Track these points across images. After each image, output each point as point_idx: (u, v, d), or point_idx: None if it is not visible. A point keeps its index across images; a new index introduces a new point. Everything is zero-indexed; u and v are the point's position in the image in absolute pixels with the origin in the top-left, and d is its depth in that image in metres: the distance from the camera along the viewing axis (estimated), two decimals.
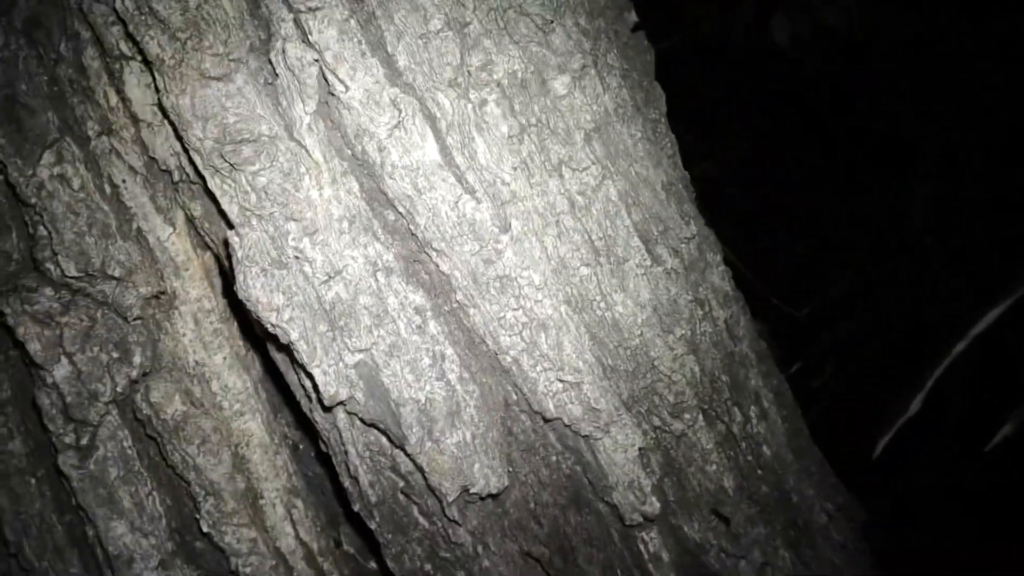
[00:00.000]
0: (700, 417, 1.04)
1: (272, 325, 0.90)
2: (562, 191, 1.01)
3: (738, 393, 1.10)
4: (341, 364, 0.90)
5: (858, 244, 2.04)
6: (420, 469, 0.91)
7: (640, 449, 0.96)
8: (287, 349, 0.92)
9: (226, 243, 0.91)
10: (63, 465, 0.92)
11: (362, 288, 0.91)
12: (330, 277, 0.90)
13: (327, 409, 0.91)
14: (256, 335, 1.01)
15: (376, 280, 0.91)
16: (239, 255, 0.90)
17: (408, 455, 0.90)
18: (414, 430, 0.90)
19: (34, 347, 0.91)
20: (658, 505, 0.96)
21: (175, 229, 0.96)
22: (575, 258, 0.99)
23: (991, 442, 1.48)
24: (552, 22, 1.07)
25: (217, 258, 0.99)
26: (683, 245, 1.10)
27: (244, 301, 0.90)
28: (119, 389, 0.92)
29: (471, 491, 0.90)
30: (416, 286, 0.92)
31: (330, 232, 0.90)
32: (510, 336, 0.92)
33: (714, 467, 1.04)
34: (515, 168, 0.96)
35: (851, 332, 1.89)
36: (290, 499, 0.99)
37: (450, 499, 0.90)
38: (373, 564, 1.05)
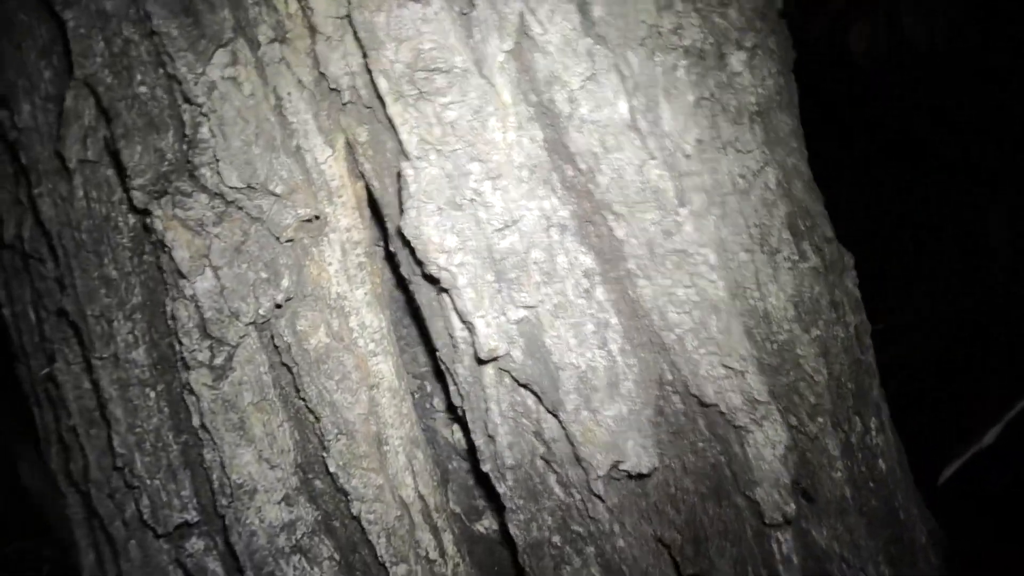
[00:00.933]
0: (828, 422, 1.01)
1: (439, 267, 0.85)
2: (728, 171, 0.97)
3: (860, 402, 1.07)
4: (504, 318, 0.86)
5: (932, 261, 2.01)
6: (570, 438, 0.87)
7: (786, 447, 0.93)
8: (445, 294, 0.88)
9: (398, 175, 0.87)
10: (195, 383, 0.87)
11: (536, 242, 0.86)
12: (506, 226, 0.85)
13: (482, 362, 0.87)
14: (397, 274, 0.96)
15: (549, 235, 0.87)
16: (412, 189, 0.85)
17: (560, 422, 0.87)
18: (571, 397, 0.86)
19: (181, 255, 0.86)
20: (794, 507, 0.93)
21: (334, 152, 0.91)
22: (735, 242, 0.96)
23: None
24: None
25: (369, 190, 0.94)
26: (826, 245, 1.07)
27: (411, 238, 0.86)
28: (262, 311, 0.88)
29: (621, 467, 0.87)
30: (588, 248, 0.88)
31: (511, 178, 0.85)
32: (679, 314, 0.88)
33: (839, 475, 1.01)
34: (698, 141, 0.92)
35: (917, 349, 1.86)
36: (411, 449, 0.95)
37: (600, 473, 0.86)
38: (479, 528, 1.01)
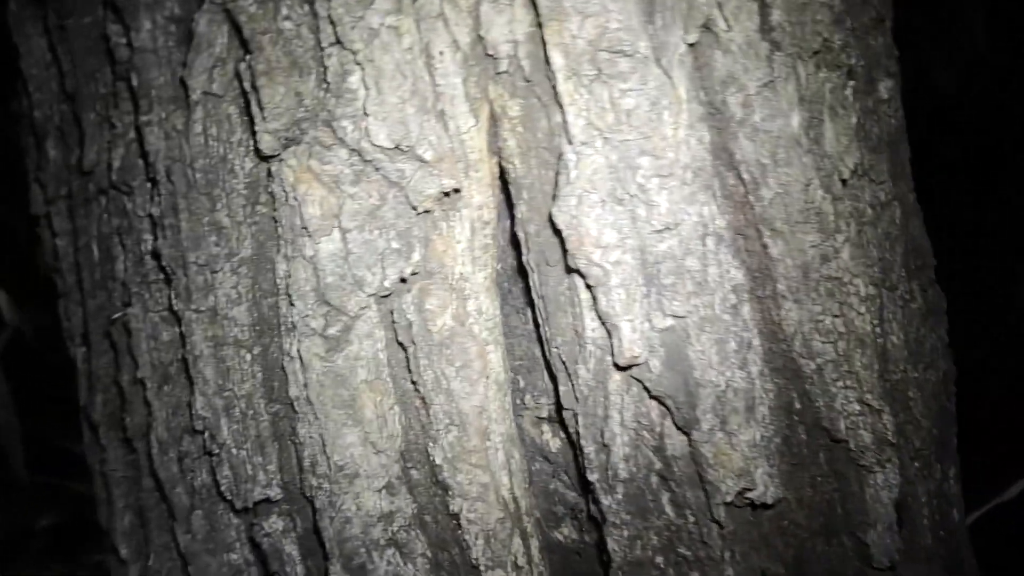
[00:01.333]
0: (923, 468, 0.99)
1: (590, 262, 0.80)
2: (866, 201, 0.93)
3: (943, 450, 1.06)
4: (648, 325, 0.81)
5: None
6: (697, 458, 0.82)
7: (898, 491, 0.90)
8: (586, 291, 0.82)
9: (559, 157, 0.81)
10: (305, 352, 0.80)
11: (692, 249, 0.81)
12: (667, 228, 0.80)
13: (619, 368, 0.82)
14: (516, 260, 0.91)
15: (704, 244, 0.82)
16: (572, 175, 0.80)
17: (692, 440, 0.82)
18: (708, 416, 0.82)
19: (311, 211, 0.79)
20: (900, 552, 0.90)
21: (477, 123, 0.84)
22: (865, 275, 0.92)
23: None
24: (884, 20, 0.99)
25: (502, 169, 0.88)
26: (930, 287, 1.05)
27: (563, 226, 0.80)
28: (387, 283, 0.81)
29: (747, 494, 0.83)
30: (740, 263, 0.84)
31: (677, 179, 0.80)
32: (823, 343, 0.85)
33: (926, 521, 0.99)
34: (856, 166, 0.88)
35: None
36: (510, 448, 0.89)
37: (727, 499, 0.82)
38: (557, 535, 0.96)
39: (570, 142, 0.80)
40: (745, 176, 0.83)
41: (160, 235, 0.84)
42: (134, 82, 0.84)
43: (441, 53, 0.83)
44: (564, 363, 0.87)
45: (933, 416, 1.00)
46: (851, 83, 0.90)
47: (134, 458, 0.94)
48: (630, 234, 0.80)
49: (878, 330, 0.93)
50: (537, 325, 0.90)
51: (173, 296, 0.85)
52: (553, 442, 0.96)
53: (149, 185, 0.86)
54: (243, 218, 0.83)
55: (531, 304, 0.90)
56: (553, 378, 0.90)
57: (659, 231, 0.80)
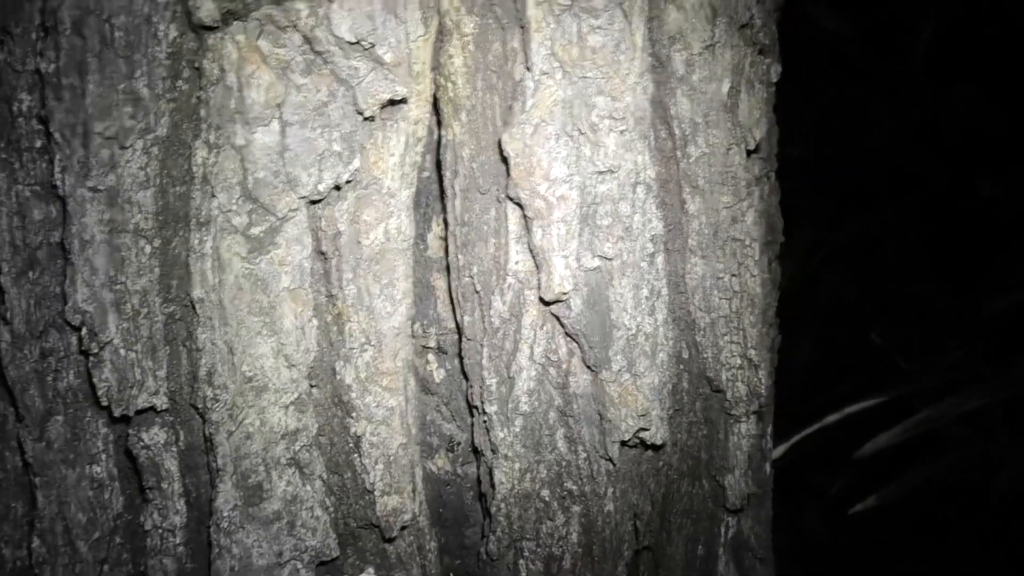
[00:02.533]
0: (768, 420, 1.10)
1: (535, 193, 0.79)
2: (759, 172, 1.01)
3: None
4: (578, 264, 0.82)
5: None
6: (602, 398, 0.85)
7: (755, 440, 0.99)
8: (522, 221, 0.82)
9: (518, 83, 0.79)
10: (225, 250, 0.72)
11: (625, 195, 0.83)
12: (609, 171, 0.81)
13: (545, 303, 0.82)
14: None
15: (635, 192, 0.84)
16: (528, 103, 0.79)
17: (599, 380, 0.85)
18: (618, 358, 0.84)
19: (252, 95, 0.71)
20: (751, 497, 0.99)
21: (426, 32, 0.80)
22: (761, 240, 1.00)
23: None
24: (782, 7, 1.07)
25: (440, 87, 0.84)
26: (774, 262, 1.15)
27: (513, 154, 0.79)
28: (320, 188, 0.75)
29: (641, 434, 0.87)
30: (661, 214, 0.87)
31: (622, 124, 0.82)
32: (720, 299, 0.90)
33: (761, 470, 1.10)
34: (761, 138, 0.95)
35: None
36: (407, 374, 0.87)
37: (624, 437, 0.86)
38: (430, 466, 0.95)
39: (529, 69, 0.79)
40: (676, 132, 0.86)
41: (52, 96, 0.72)
42: None
43: None
44: (478, 293, 0.86)
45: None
46: (765, 60, 0.96)
47: None
48: (576, 172, 0.80)
49: (771, 292, 1.01)
50: (446, 252, 0.88)
51: (58, 170, 0.73)
52: (438, 373, 0.95)
53: (42, 34, 0.73)
54: (162, 92, 0.73)
55: (430, 230, 0.88)
56: (456, 308, 0.89)
57: (601, 172, 0.81)
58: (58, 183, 0.73)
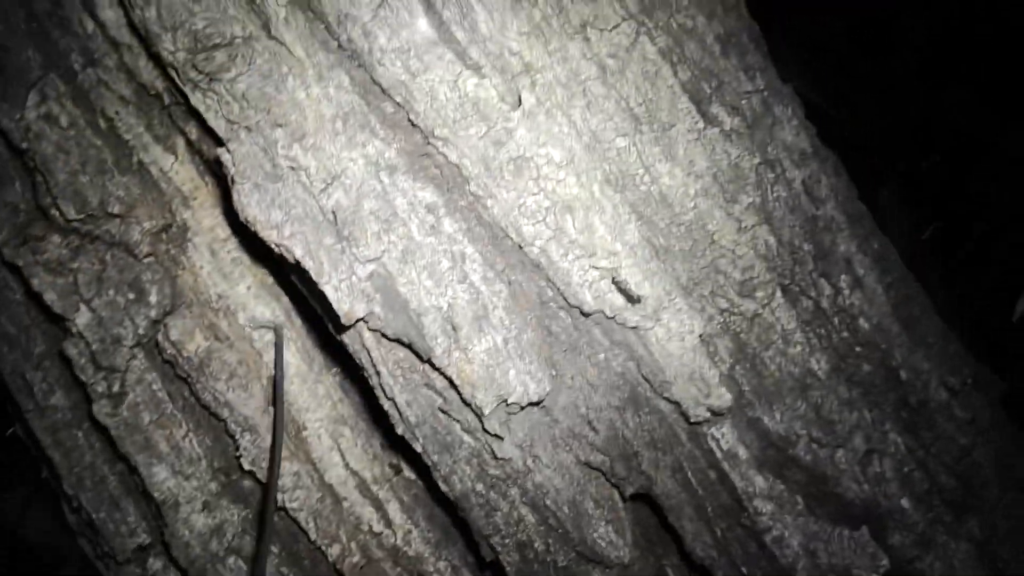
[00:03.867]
0: (778, 293, 0.91)
1: (275, 244, 0.83)
2: (588, 55, 0.88)
3: (824, 262, 0.96)
4: (354, 278, 0.82)
5: None
6: (451, 382, 0.82)
7: (701, 336, 0.84)
8: (298, 268, 0.85)
9: (218, 162, 0.85)
10: (98, 414, 0.89)
11: (365, 191, 0.82)
12: (328, 184, 0.81)
13: (346, 328, 0.84)
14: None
15: (380, 181, 0.82)
16: (231, 172, 0.83)
17: (437, 368, 0.82)
18: (439, 340, 0.81)
19: (51, 297, 0.88)
20: (728, 397, 0.84)
21: (177, 157, 0.90)
22: (608, 129, 0.87)
23: None
24: None
25: (219, 181, 0.93)
26: (743, 101, 0.95)
27: (244, 222, 0.83)
28: (140, 331, 0.88)
29: (509, 401, 0.82)
30: (425, 182, 0.83)
31: (323, 134, 0.82)
32: (533, 224, 0.81)
33: (798, 348, 0.90)
34: (525, 34, 0.84)
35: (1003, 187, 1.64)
36: (336, 428, 0.93)
37: (487, 411, 0.81)
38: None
39: (221, 143, 0.84)
40: (397, 99, 0.82)
41: None
42: None
43: (117, 113, 0.90)
44: (333, 335, 0.90)
45: (799, 232, 0.92)
46: None
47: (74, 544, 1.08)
48: (298, 203, 0.82)
49: (646, 178, 0.87)
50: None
51: (18, 407, 0.97)
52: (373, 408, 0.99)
53: None
54: (29, 321, 0.94)
55: None
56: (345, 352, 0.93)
57: (323, 189, 0.82)
58: (20, 414, 0.97)
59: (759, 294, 0.89)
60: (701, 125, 0.91)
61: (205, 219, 0.91)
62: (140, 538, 0.93)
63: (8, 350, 0.94)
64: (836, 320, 0.95)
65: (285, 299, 0.96)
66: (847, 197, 1.03)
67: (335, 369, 0.99)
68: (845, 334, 0.95)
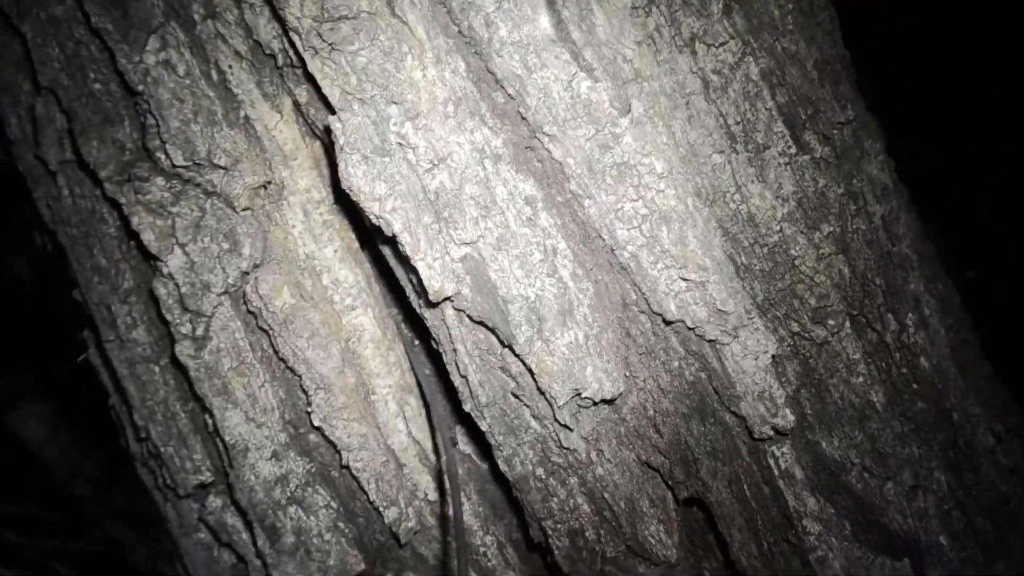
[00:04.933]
0: (847, 323, 0.93)
1: (375, 216, 0.85)
2: (694, 69, 0.90)
3: (894, 298, 0.98)
4: (447, 258, 0.85)
5: None
6: (529, 370, 0.85)
7: (774, 357, 0.87)
8: (392, 242, 0.88)
9: (328, 130, 0.87)
10: (180, 355, 0.92)
11: (468, 176, 0.84)
12: (434, 165, 0.84)
13: (433, 305, 0.87)
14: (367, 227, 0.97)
15: (484, 168, 0.84)
16: (340, 141, 0.85)
17: (517, 355, 0.85)
18: (523, 328, 0.84)
19: (148, 237, 0.91)
20: (792, 418, 0.87)
21: (282, 116, 0.93)
22: (706, 144, 0.89)
23: None
24: None
25: (325, 147, 0.95)
26: (835, 131, 0.97)
27: (347, 191, 0.86)
28: (230, 280, 0.91)
29: (583, 395, 0.84)
30: (527, 174, 0.85)
31: (434, 116, 0.84)
32: (628, 230, 0.84)
33: (861, 379, 0.93)
34: (639, 43, 0.86)
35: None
36: (403, 396, 0.96)
37: (560, 403, 0.84)
38: (487, 465, 1.02)
39: (333, 112, 0.86)
40: (510, 91, 0.84)
41: (76, 289, 1.01)
42: (20, 168, 1.01)
43: (230, 67, 0.92)
44: (415, 309, 0.93)
45: (873, 266, 0.94)
46: None
47: (134, 471, 1.12)
48: (403, 180, 0.84)
49: (736, 197, 0.89)
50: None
51: (97, 335, 1.01)
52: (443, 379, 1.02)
53: (54, 247, 1.02)
54: (120, 256, 0.97)
55: None
56: (424, 326, 0.96)
57: (429, 169, 0.84)
58: (99, 340, 1.01)
59: (831, 322, 0.91)
60: (793, 151, 0.92)
61: (302, 180, 0.94)
62: (203, 476, 0.97)
63: (98, 280, 0.97)
64: (898, 355, 0.97)
65: (367, 266, 0.99)
66: (919, 236, 1.05)
67: (408, 338, 1.02)
68: (904, 370, 0.97)
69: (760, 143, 0.92)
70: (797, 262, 0.90)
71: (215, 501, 0.98)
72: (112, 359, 0.98)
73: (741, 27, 0.92)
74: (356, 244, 0.98)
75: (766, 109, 0.92)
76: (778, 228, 0.90)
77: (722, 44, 0.91)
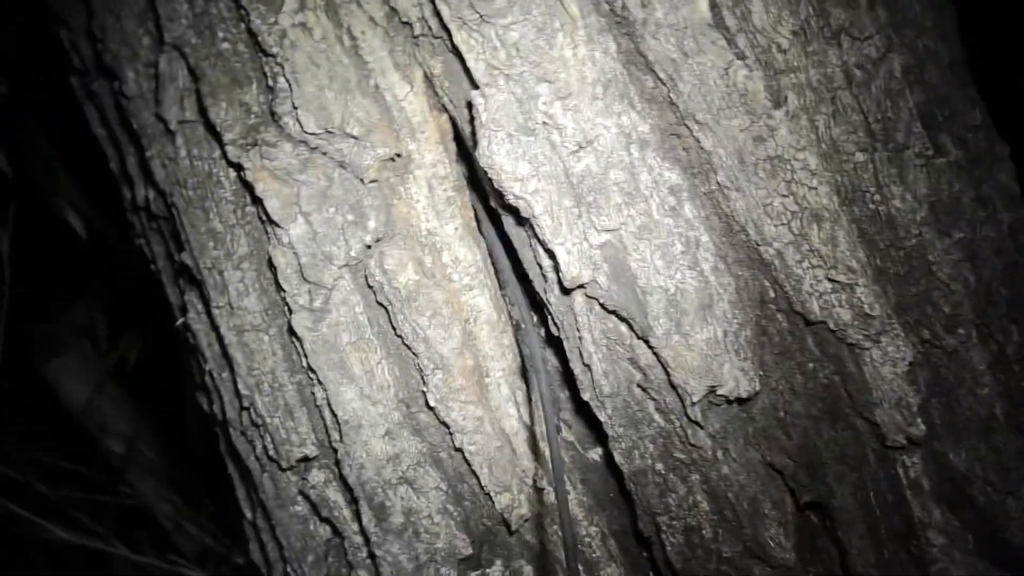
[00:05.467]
0: (974, 333, 0.91)
1: (515, 196, 0.83)
2: (840, 63, 0.87)
3: (1017, 310, 0.96)
4: (586, 244, 0.83)
5: None
6: (663, 364, 0.83)
7: (910, 364, 0.85)
8: (526, 223, 0.86)
9: (469, 105, 0.85)
10: (297, 326, 0.90)
11: (614, 161, 0.82)
12: (580, 147, 0.82)
13: (566, 291, 0.85)
14: (487, 206, 0.95)
15: (629, 153, 0.82)
16: (483, 118, 0.83)
17: (651, 348, 0.83)
18: (661, 321, 0.82)
19: (272, 204, 0.89)
20: (924, 428, 0.85)
21: (413, 88, 0.90)
22: (850, 141, 0.87)
23: None
24: None
25: (453, 122, 0.93)
26: (969, 135, 0.95)
27: (486, 168, 0.84)
28: (353, 253, 0.89)
29: (718, 392, 0.83)
30: (673, 163, 0.83)
31: (583, 97, 0.81)
32: (776, 226, 0.82)
33: (986, 391, 0.91)
34: (794, 33, 0.83)
35: None
36: (515, 380, 0.95)
37: (695, 399, 0.83)
38: (593, 455, 1.00)
39: (476, 86, 0.84)
40: (661, 75, 0.82)
41: (183, 250, 0.99)
42: (134, 125, 0.99)
43: (363, 32, 0.89)
44: (538, 294, 0.91)
45: (999, 275, 0.91)
46: None
47: (228, 438, 1.10)
48: (547, 161, 0.82)
49: (876, 197, 0.87)
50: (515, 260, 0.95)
51: (203, 299, 0.99)
52: (559, 365, 1.00)
53: (165, 208, 1.00)
54: (235, 221, 0.95)
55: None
56: (539, 310, 0.94)
57: (574, 151, 0.82)
58: (208, 306, 0.99)
59: (961, 331, 0.89)
60: (931, 152, 0.90)
61: (428, 154, 0.91)
62: (308, 450, 0.96)
63: (212, 245, 0.95)
64: (1017, 368, 0.95)
65: (484, 245, 0.97)
66: None
67: (513, 321, 1.00)
68: (1023, 383, 0.95)
69: (900, 143, 0.89)
70: (934, 268, 0.88)
71: (318, 475, 0.97)
72: (220, 325, 0.96)
73: (885, 20, 0.89)
74: (474, 223, 0.96)
75: (907, 108, 0.90)
76: (916, 232, 0.88)
77: (867, 38, 0.88)
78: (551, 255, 0.84)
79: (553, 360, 1.03)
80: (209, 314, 0.98)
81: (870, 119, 0.88)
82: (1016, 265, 0.97)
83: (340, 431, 0.91)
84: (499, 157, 0.82)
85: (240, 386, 0.97)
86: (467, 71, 0.84)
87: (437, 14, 0.84)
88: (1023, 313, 0.97)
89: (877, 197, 0.87)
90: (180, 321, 1.07)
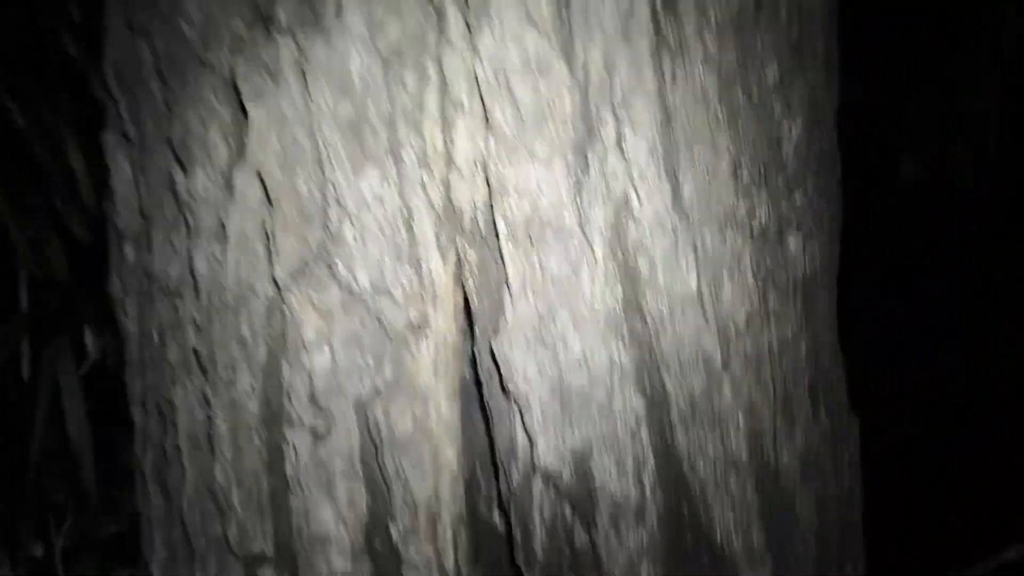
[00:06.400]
0: (813, 570, 1.16)
1: (518, 387, 1.01)
2: (767, 340, 1.12)
3: (844, 554, 1.22)
4: (561, 442, 1.02)
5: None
6: (597, 553, 1.02)
7: None
8: (516, 407, 1.04)
9: (500, 302, 1.03)
10: (298, 441, 1.03)
11: (599, 382, 1.02)
12: (579, 366, 1.01)
13: (536, 472, 1.03)
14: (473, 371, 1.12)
15: (611, 379, 1.02)
16: (509, 318, 1.02)
17: (591, 539, 1.02)
18: (604, 520, 1.02)
19: (307, 333, 1.03)
20: None
21: (446, 265, 1.07)
22: (763, 404, 1.11)
23: None
24: (802, 183, 1.18)
25: (466, 300, 1.10)
26: (838, 413, 1.21)
27: (499, 359, 1.02)
28: (364, 392, 1.04)
29: None
30: (641, 394, 1.04)
31: (590, 326, 1.01)
32: (705, 466, 1.04)
33: None
34: (748, 314, 1.07)
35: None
36: (458, 527, 1.10)
37: None
38: None
39: (509, 292, 1.02)
40: (649, 323, 1.03)
41: (198, 336, 1.10)
42: (188, 219, 1.10)
43: (419, 211, 1.06)
44: (502, 460, 1.09)
45: (827, 526, 1.17)
46: (753, 243, 1.09)
47: (170, 506, 1.19)
48: (550, 369, 1.01)
49: (771, 452, 1.11)
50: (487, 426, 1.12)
51: (206, 385, 1.10)
52: (501, 523, 1.18)
53: (195, 296, 1.11)
54: (260, 330, 1.08)
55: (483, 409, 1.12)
56: (496, 472, 1.12)
57: (574, 369, 1.01)
58: (206, 395, 1.10)
59: (805, 569, 1.14)
60: (811, 422, 1.16)
61: (442, 322, 1.08)
62: (266, 547, 1.07)
63: (237, 347, 1.07)
64: None
65: (458, 405, 1.13)
66: None
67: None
68: None
69: (792, 412, 1.14)
70: (798, 513, 1.13)
71: (268, 572, 1.08)
72: (216, 416, 1.08)
73: (801, 311, 1.15)
74: (458, 384, 1.13)
75: (803, 384, 1.16)
76: (792, 483, 1.12)
77: (787, 323, 1.14)
78: (532, 442, 1.02)
79: (484, 512, 1.20)
80: (208, 402, 1.09)
81: (777, 389, 1.13)
82: (848, 521, 1.24)
83: (307, 542, 1.04)
84: (515, 355, 1.01)
85: (218, 473, 1.08)
86: (505, 277, 1.02)
87: (492, 223, 1.03)
88: (847, 558, 1.23)
89: (772, 452, 1.12)
90: (166, 393, 1.16)
